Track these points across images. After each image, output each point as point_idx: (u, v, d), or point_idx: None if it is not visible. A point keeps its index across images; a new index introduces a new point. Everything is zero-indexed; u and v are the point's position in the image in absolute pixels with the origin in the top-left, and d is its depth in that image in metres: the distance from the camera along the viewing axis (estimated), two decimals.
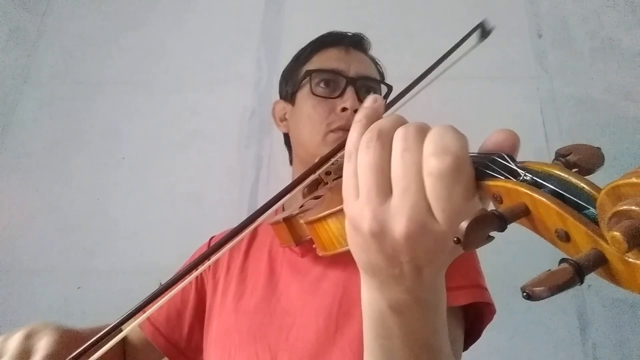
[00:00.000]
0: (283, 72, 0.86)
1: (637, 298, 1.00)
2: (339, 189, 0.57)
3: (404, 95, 0.47)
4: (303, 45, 0.86)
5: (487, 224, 0.22)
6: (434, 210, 0.28)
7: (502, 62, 1.25)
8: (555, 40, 1.26)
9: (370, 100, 0.33)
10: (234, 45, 1.34)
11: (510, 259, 0.94)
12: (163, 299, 0.42)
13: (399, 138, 0.29)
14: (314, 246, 0.53)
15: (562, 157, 0.26)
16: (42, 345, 0.55)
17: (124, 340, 0.77)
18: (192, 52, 1.35)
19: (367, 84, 0.77)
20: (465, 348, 0.60)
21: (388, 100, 0.78)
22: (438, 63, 0.47)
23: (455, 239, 0.23)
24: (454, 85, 1.20)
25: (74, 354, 0.40)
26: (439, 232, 0.28)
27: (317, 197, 0.59)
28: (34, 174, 1.25)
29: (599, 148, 0.27)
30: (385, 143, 0.30)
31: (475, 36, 0.48)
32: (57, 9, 1.44)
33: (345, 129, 0.69)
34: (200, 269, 0.43)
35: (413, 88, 0.48)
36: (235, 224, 0.93)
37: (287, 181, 0.87)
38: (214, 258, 0.43)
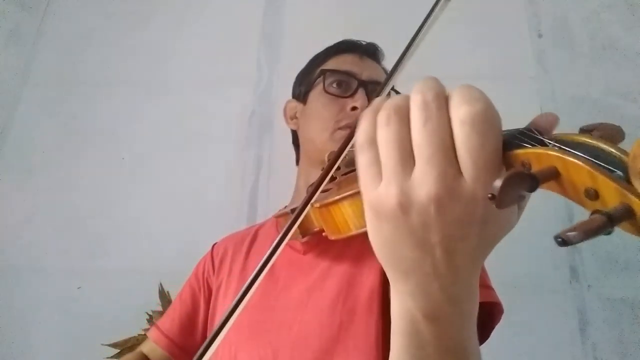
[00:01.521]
0: (298, 74, 0.89)
1: (637, 298, 1.00)
2: (347, 182, 0.57)
3: (392, 75, 0.47)
4: (303, 45, 0.87)
5: (521, 182, 0.23)
6: (463, 165, 0.27)
7: (502, 62, 1.25)
8: (555, 40, 1.26)
9: (378, 99, 0.33)
10: (234, 45, 1.34)
11: (510, 259, 0.94)
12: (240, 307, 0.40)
13: (418, 107, 0.28)
14: (323, 234, 0.53)
15: (587, 132, 0.27)
16: None
17: None
18: (192, 52, 1.35)
19: (378, 88, 0.77)
20: None
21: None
22: (415, 37, 0.47)
23: (490, 195, 0.23)
24: (454, 85, 1.21)
25: None
26: (467, 193, 0.27)
27: (324, 191, 0.60)
28: (34, 174, 1.25)
29: (619, 126, 0.28)
30: (403, 117, 0.29)
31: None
32: (57, 9, 1.44)
33: (353, 127, 0.71)
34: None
35: (398, 67, 0.48)
36: (235, 224, 0.94)
37: (287, 181, 0.88)
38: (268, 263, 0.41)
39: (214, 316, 0.74)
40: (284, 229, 0.40)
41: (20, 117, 1.31)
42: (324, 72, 0.78)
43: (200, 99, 1.29)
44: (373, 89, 0.77)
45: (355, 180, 0.48)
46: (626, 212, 0.21)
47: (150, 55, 1.36)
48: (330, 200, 0.47)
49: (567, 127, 1.10)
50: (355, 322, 0.59)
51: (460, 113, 0.27)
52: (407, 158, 0.29)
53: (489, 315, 0.59)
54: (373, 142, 0.30)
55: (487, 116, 0.27)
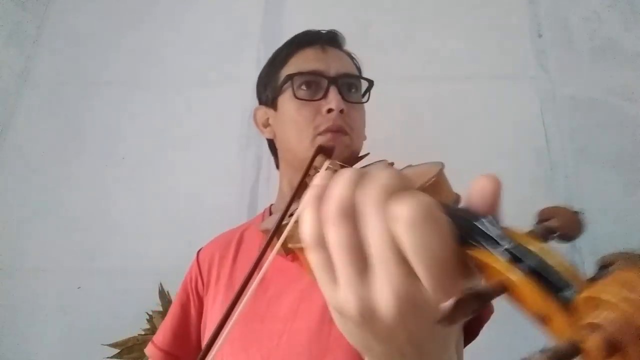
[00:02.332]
0: (259, 76, 0.85)
1: None
2: None
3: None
4: None
5: (469, 306, 0.23)
6: (417, 270, 0.26)
7: (502, 62, 1.25)
8: (555, 40, 1.26)
9: (320, 178, 0.30)
10: (234, 45, 1.34)
11: None
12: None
13: (365, 207, 0.27)
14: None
15: (543, 222, 0.26)
16: None
17: None
18: (192, 52, 1.35)
19: (348, 81, 0.76)
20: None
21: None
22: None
23: (438, 319, 0.23)
24: (454, 85, 1.21)
25: None
26: (428, 299, 0.26)
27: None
28: (34, 174, 1.25)
29: (578, 213, 0.27)
30: (349, 217, 0.27)
31: None
32: (57, 9, 1.44)
33: (332, 130, 0.70)
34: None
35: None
36: (235, 224, 0.94)
37: None
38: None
39: (205, 324, 0.73)
40: (255, 259, 0.40)
41: (20, 117, 1.31)
42: (290, 77, 0.74)
43: (200, 98, 1.29)
44: (343, 82, 0.74)
45: None
46: (574, 351, 0.20)
47: (150, 55, 1.36)
48: (299, 246, 0.47)
49: (567, 127, 1.10)
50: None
51: (398, 219, 0.25)
52: (361, 263, 0.27)
53: (477, 315, 0.59)
54: (322, 242, 0.28)
55: (425, 215, 0.25)
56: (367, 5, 1.34)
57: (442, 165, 0.43)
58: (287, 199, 0.76)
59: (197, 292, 0.77)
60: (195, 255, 0.82)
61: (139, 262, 1.13)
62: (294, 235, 0.52)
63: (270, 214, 0.83)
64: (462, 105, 1.21)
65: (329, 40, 0.79)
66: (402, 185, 0.27)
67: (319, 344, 0.59)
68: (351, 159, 0.71)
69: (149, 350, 0.78)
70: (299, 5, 1.37)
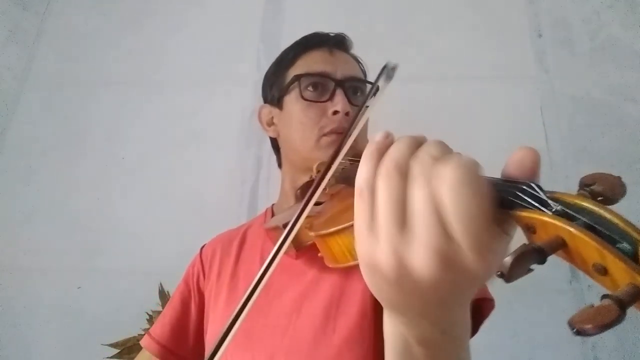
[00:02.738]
0: (266, 75, 0.86)
1: None
2: (340, 195, 0.56)
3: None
4: None
5: (529, 259, 0.23)
6: (454, 233, 0.27)
7: (502, 62, 1.25)
8: (555, 40, 1.26)
9: (381, 135, 0.32)
10: (234, 45, 1.34)
11: None
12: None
13: (416, 169, 0.28)
14: (319, 254, 0.52)
15: (587, 187, 0.27)
16: None
17: None
18: (192, 52, 1.35)
19: (355, 84, 0.77)
20: None
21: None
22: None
23: (498, 272, 0.23)
24: (454, 85, 1.21)
25: None
26: (463, 259, 0.27)
27: (316, 203, 0.59)
28: (34, 174, 1.25)
29: (620, 177, 0.27)
30: (403, 175, 0.29)
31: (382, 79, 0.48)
32: (57, 9, 1.44)
33: (338, 132, 0.71)
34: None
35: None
36: (235, 224, 0.94)
37: None
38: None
39: (207, 319, 0.73)
40: (270, 255, 0.40)
41: (20, 117, 1.31)
42: (298, 78, 0.75)
43: (200, 99, 1.29)
44: (350, 85, 0.75)
45: (349, 197, 0.47)
46: (636, 294, 0.21)
47: (150, 55, 1.36)
48: (327, 231, 0.46)
49: (567, 127, 1.10)
50: (349, 328, 0.59)
51: (445, 180, 0.27)
52: (402, 217, 0.28)
53: (479, 309, 0.58)
54: (371, 190, 0.30)
55: (470, 179, 0.26)
56: (367, 6, 1.34)
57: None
58: (290, 198, 0.76)
59: (199, 287, 0.77)
60: (199, 250, 0.82)
61: (139, 262, 1.13)
62: (310, 228, 0.52)
63: (273, 213, 0.83)
64: (462, 105, 1.21)
65: (337, 43, 0.80)
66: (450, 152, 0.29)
67: (324, 341, 0.59)
68: (353, 154, 0.72)
69: (146, 341, 0.77)
70: (299, 5, 1.37)
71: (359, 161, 0.31)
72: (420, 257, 0.27)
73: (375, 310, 0.59)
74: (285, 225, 0.60)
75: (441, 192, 0.27)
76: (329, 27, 0.84)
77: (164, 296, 1.08)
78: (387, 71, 0.49)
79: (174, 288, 0.81)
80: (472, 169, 0.27)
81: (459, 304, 0.32)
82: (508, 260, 0.23)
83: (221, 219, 0.97)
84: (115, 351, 1.03)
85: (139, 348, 1.01)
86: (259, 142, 1.23)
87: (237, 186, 1.19)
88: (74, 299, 1.11)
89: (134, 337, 1.04)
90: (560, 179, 1.11)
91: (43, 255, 1.16)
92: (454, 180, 0.26)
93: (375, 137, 0.32)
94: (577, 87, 1.20)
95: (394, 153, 0.30)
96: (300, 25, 1.35)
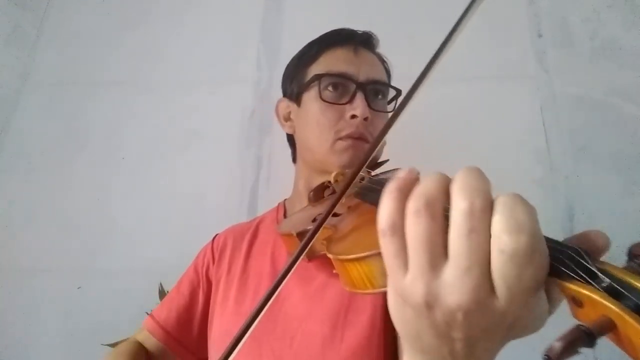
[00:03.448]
0: (287, 68, 0.84)
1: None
2: (359, 211, 0.55)
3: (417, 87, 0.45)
4: (303, 44, 0.86)
5: (578, 344, 0.23)
6: (497, 287, 0.26)
7: (502, 62, 1.25)
8: (555, 40, 1.26)
9: (405, 172, 0.31)
10: (234, 45, 1.34)
11: None
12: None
13: (463, 215, 0.26)
14: (334, 272, 0.52)
15: (637, 258, 0.25)
16: None
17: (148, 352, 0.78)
18: (192, 52, 1.35)
19: (377, 87, 0.75)
20: None
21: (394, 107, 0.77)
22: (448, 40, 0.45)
23: (545, 357, 0.23)
24: (454, 85, 1.21)
25: None
26: (498, 310, 0.27)
27: (335, 215, 0.57)
28: (34, 174, 1.25)
29: None
30: (434, 213, 0.27)
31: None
32: (57, 9, 1.44)
33: (354, 137, 0.70)
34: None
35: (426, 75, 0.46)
36: (234, 224, 0.93)
37: (288, 181, 0.88)
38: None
39: (213, 312, 0.72)
40: (284, 269, 0.41)
41: (20, 117, 1.31)
42: (318, 77, 0.73)
43: (200, 98, 1.29)
44: (371, 89, 0.73)
45: (367, 215, 0.46)
46: None
47: (150, 55, 1.36)
48: (347, 257, 0.45)
49: (567, 127, 1.10)
50: (357, 338, 0.58)
51: (501, 242, 0.25)
52: (437, 258, 0.27)
53: None
54: (398, 230, 0.29)
55: (528, 251, 0.25)
56: (367, 6, 1.34)
57: None
58: (302, 197, 0.75)
59: (207, 276, 0.77)
60: (211, 239, 0.82)
61: (139, 262, 1.13)
62: (326, 242, 0.52)
63: (285, 210, 0.82)
64: (462, 105, 1.21)
65: (363, 41, 0.78)
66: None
67: (332, 349, 0.59)
68: (370, 165, 0.71)
69: (148, 323, 0.77)
70: (299, 5, 1.37)
71: (375, 170, 0.30)
72: (454, 295, 0.27)
73: (385, 322, 0.58)
74: (299, 235, 0.59)
75: (495, 253, 0.25)
76: (329, 27, 0.83)
77: (164, 296, 1.07)
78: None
79: None
80: (536, 234, 0.25)
81: (486, 352, 0.31)
82: (558, 345, 0.22)
83: (221, 219, 0.97)
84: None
85: None
86: (259, 142, 1.23)
87: (237, 186, 1.19)
88: (74, 299, 1.11)
89: None
90: (560, 179, 1.11)
91: (43, 255, 1.16)
92: (515, 248, 0.25)
93: (398, 174, 0.31)
94: (577, 87, 1.20)
95: (425, 190, 0.28)
96: (300, 25, 1.36)
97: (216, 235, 0.83)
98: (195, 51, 1.35)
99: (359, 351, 0.58)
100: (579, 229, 1.07)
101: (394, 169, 0.69)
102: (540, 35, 1.27)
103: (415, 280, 0.28)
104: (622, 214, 1.05)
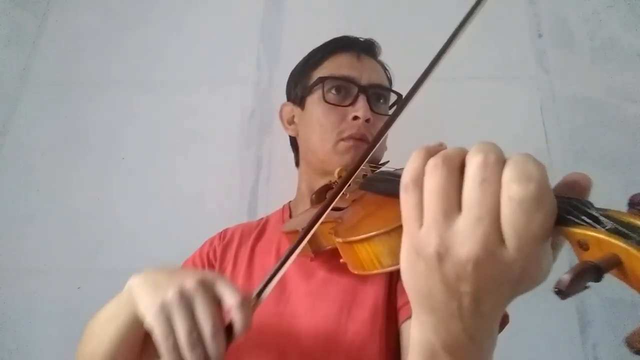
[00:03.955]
0: (292, 73, 0.86)
1: (637, 297, 1.00)
2: (363, 201, 0.56)
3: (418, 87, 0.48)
4: (303, 44, 0.86)
5: (587, 276, 0.24)
6: (506, 237, 0.27)
7: (502, 62, 1.25)
8: (555, 40, 1.26)
9: (435, 143, 0.33)
10: (234, 45, 1.34)
11: None
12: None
13: (477, 166, 0.28)
14: (341, 261, 0.52)
15: (638, 206, 0.27)
16: None
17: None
18: (192, 52, 1.35)
19: (378, 92, 0.77)
20: None
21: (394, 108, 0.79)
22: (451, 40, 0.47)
23: (556, 289, 0.24)
24: (454, 85, 1.21)
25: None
26: (507, 260, 0.28)
27: (336, 209, 0.59)
28: (34, 174, 1.25)
29: None
30: (451, 168, 0.29)
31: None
32: (57, 9, 1.44)
33: (356, 138, 0.72)
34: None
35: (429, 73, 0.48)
36: (234, 224, 0.93)
37: (288, 181, 0.89)
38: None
39: None
40: (283, 256, 0.43)
41: (20, 117, 1.31)
42: (322, 80, 0.76)
43: (200, 98, 1.29)
44: (373, 92, 0.76)
45: (373, 204, 0.47)
46: None
47: (150, 55, 1.36)
48: (357, 238, 0.46)
49: (567, 127, 1.10)
50: (360, 331, 0.60)
51: (511, 189, 0.27)
52: (450, 209, 0.29)
53: None
54: (418, 184, 0.30)
55: (536, 198, 0.26)
56: (366, 6, 1.34)
57: None
58: (306, 199, 0.77)
59: (209, 261, 0.79)
60: (220, 231, 0.84)
61: (139, 262, 1.13)
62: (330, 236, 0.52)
63: (290, 211, 0.84)
64: (462, 105, 1.21)
65: (365, 48, 0.81)
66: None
67: (335, 343, 0.60)
68: (374, 163, 0.73)
69: None
70: (299, 5, 1.37)
71: (378, 168, 0.31)
72: (466, 245, 0.28)
73: (387, 317, 0.60)
74: (291, 233, 0.60)
75: (505, 201, 0.27)
76: (329, 27, 0.84)
77: None
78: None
79: None
80: (544, 184, 0.27)
81: (493, 308, 0.31)
82: (566, 277, 0.23)
83: (221, 219, 0.97)
84: None
85: None
86: (259, 142, 1.23)
87: (237, 186, 1.19)
88: (74, 299, 1.11)
89: None
90: (560, 178, 1.11)
91: (43, 255, 1.16)
92: (524, 195, 0.26)
93: (427, 145, 0.33)
94: (577, 87, 1.20)
95: (444, 150, 0.31)
96: (300, 26, 1.36)
97: (227, 228, 0.85)
98: (195, 51, 1.35)
99: (362, 346, 0.59)
100: None
101: (399, 169, 0.70)
102: (540, 35, 1.27)
103: (429, 229, 0.29)
104: None
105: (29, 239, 1.18)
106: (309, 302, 0.65)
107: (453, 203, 0.29)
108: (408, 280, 0.33)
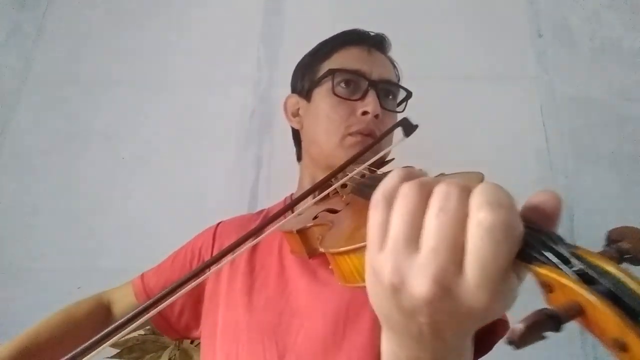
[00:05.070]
0: (298, 65, 0.84)
1: None
2: (355, 207, 0.56)
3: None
4: (303, 45, 0.86)
5: (543, 327, 0.22)
6: (468, 270, 0.25)
7: (503, 62, 1.25)
8: (555, 40, 1.26)
9: (415, 170, 0.32)
10: (234, 45, 1.34)
11: None
12: (174, 296, 0.43)
13: (439, 195, 0.27)
14: (330, 267, 0.52)
15: (614, 243, 0.25)
16: None
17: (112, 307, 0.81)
18: (192, 52, 1.35)
19: (388, 87, 0.76)
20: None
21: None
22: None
23: (508, 340, 0.22)
24: (454, 85, 1.21)
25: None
26: (465, 297, 0.26)
27: (332, 210, 0.58)
28: (34, 174, 1.25)
29: None
30: (424, 196, 0.28)
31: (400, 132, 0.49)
32: (57, 9, 1.44)
33: (364, 133, 0.70)
34: (204, 275, 0.43)
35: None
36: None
37: (288, 181, 0.88)
38: (215, 266, 0.43)
39: (213, 301, 0.73)
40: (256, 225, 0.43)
41: (20, 117, 1.31)
42: (332, 72, 0.73)
43: (200, 98, 1.29)
44: (383, 88, 0.74)
45: (361, 212, 0.47)
46: None
47: (150, 55, 1.36)
48: (337, 250, 0.45)
49: (567, 127, 1.10)
50: (358, 334, 0.59)
51: (480, 215, 0.25)
52: (413, 238, 0.27)
53: (492, 329, 0.56)
54: (389, 204, 0.29)
55: (507, 225, 0.24)
56: (366, 6, 1.34)
57: (482, 175, 0.42)
58: (308, 198, 0.76)
59: (200, 256, 0.79)
60: (215, 225, 0.82)
61: (139, 262, 1.13)
62: (326, 238, 0.52)
63: (293, 211, 0.83)
64: (462, 105, 1.21)
65: (376, 43, 0.79)
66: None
67: (333, 343, 0.59)
68: (377, 163, 0.72)
69: (137, 284, 0.80)
70: (299, 5, 1.37)
71: (376, 170, 0.30)
72: (421, 278, 0.26)
73: None
74: (299, 232, 0.59)
75: (472, 229, 0.25)
76: (329, 27, 0.84)
77: None
78: (406, 127, 0.50)
79: None
80: (514, 212, 0.25)
81: (456, 336, 0.30)
82: (520, 327, 0.21)
83: (221, 218, 0.97)
84: (115, 351, 1.03)
85: (139, 348, 1.01)
86: (259, 142, 1.23)
87: (237, 186, 1.19)
88: (74, 299, 1.11)
89: (134, 337, 1.04)
90: (560, 179, 1.11)
91: (43, 255, 1.16)
92: (493, 221, 0.24)
93: (411, 169, 0.32)
94: (577, 87, 1.21)
95: (424, 177, 0.30)
96: (300, 26, 1.36)
97: (221, 222, 0.83)
98: (195, 51, 1.35)
99: (360, 348, 0.58)
100: (579, 228, 1.07)
101: (406, 167, 0.69)
102: (540, 35, 1.27)
103: (387, 255, 0.28)
104: (622, 214, 1.05)
105: (29, 238, 1.18)
106: (309, 301, 0.64)
107: (417, 233, 0.27)
108: (370, 297, 0.32)
